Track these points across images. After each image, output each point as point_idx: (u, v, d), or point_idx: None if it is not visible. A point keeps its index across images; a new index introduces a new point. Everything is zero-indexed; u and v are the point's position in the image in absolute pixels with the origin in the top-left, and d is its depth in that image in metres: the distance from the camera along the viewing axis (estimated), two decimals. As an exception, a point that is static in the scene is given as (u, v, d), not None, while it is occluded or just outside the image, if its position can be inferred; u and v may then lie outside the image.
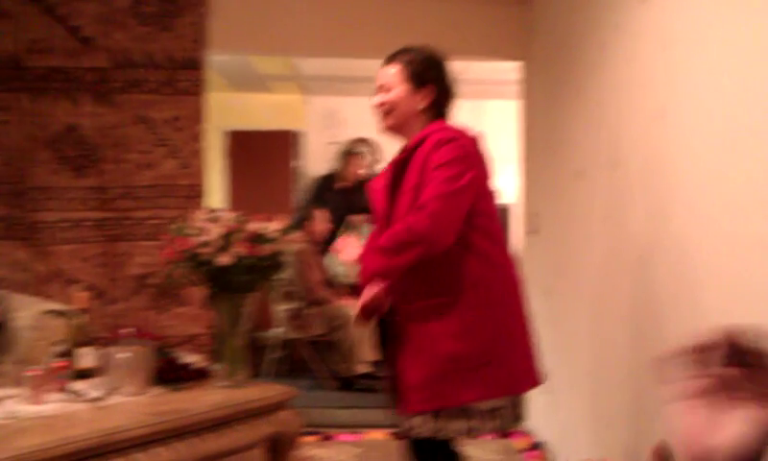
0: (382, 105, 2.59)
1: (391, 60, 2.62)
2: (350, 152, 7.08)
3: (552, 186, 4.40)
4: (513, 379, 2.43)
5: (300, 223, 5.93)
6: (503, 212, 7.20)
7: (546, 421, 4.44)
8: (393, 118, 2.56)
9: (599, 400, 3.45)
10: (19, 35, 4.33)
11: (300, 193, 7.98)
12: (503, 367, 2.38)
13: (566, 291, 4.05)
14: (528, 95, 5.00)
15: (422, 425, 2.42)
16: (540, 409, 4.61)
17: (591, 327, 3.56)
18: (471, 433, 2.41)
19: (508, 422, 2.48)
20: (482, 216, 2.41)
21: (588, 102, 3.63)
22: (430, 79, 2.53)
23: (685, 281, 2.46)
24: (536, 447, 4.45)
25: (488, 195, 2.47)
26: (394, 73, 2.57)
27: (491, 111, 8.02)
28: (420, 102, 2.52)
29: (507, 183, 6.09)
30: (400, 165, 2.50)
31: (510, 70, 5.18)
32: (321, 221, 5.98)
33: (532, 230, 4.91)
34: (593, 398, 3.55)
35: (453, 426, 2.39)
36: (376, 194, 2.63)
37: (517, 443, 4.54)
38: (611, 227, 3.24)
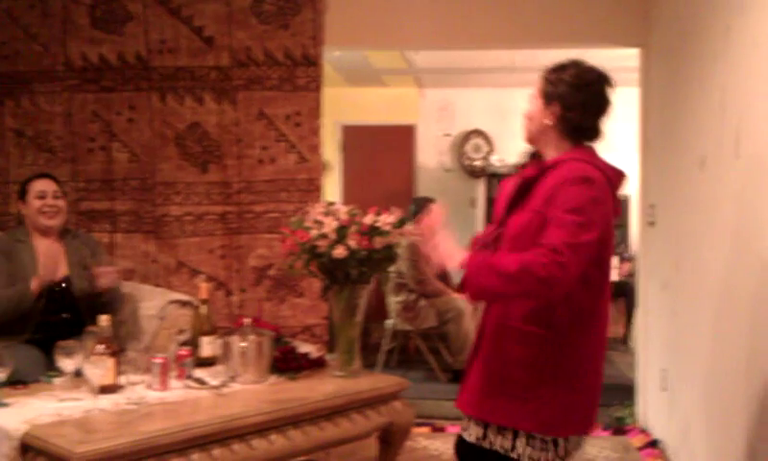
0: (524, 115, 2.54)
1: (543, 72, 2.52)
2: None
3: (671, 177, 4.26)
4: (563, 421, 2.37)
5: (416, 215, 5.96)
6: (623, 204, 7.02)
7: (663, 418, 4.32)
8: (528, 131, 2.50)
9: (716, 399, 3.33)
10: (147, 36, 4.55)
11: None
12: (560, 406, 2.34)
13: (685, 285, 3.92)
14: (647, 83, 4.86)
15: (471, 429, 2.42)
16: (656, 406, 4.48)
17: (711, 324, 3.44)
18: (513, 453, 2.36)
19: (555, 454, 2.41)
20: (592, 266, 2.31)
21: (712, 88, 3.49)
22: (555, 97, 2.40)
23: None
24: (653, 444, 4.33)
25: (605, 243, 2.34)
26: (537, 87, 2.50)
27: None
28: (546, 119, 2.43)
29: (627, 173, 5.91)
30: (529, 182, 2.45)
31: (629, 57, 5.04)
32: (436, 214, 5.98)
33: (648, 221, 4.77)
34: (710, 396, 3.42)
35: (498, 441, 2.37)
36: (500, 196, 2.60)
37: (635, 440, 4.44)
38: (736, 219, 3.12)
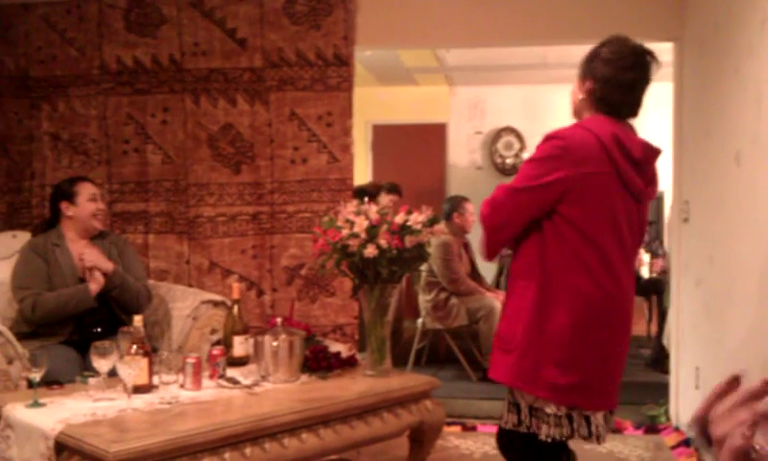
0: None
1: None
2: None
3: (705, 172, 4.20)
4: (529, 375, 2.41)
5: (449, 214, 5.95)
6: (657, 200, 6.94)
7: (700, 418, 4.26)
8: (571, 106, 2.61)
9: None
10: (181, 39, 4.60)
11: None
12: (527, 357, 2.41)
13: (719, 282, 3.86)
14: (681, 77, 4.79)
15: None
16: (690, 405, 4.43)
17: (746, 321, 3.39)
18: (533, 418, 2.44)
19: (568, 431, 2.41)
20: (573, 224, 2.37)
21: (747, 82, 3.44)
22: (589, 72, 2.50)
23: None
24: (686, 443, 4.28)
25: (601, 204, 2.39)
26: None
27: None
28: (580, 93, 2.53)
29: (660, 171, 5.84)
30: None
31: (662, 52, 4.97)
32: (470, 213, 5.97)
33: (682, 218, 4.71)
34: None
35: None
36: None
37: (668, 439, 4.39)
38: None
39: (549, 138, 2.43)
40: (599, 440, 2.45)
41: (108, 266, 3.61)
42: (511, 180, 2.53)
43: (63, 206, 3.73)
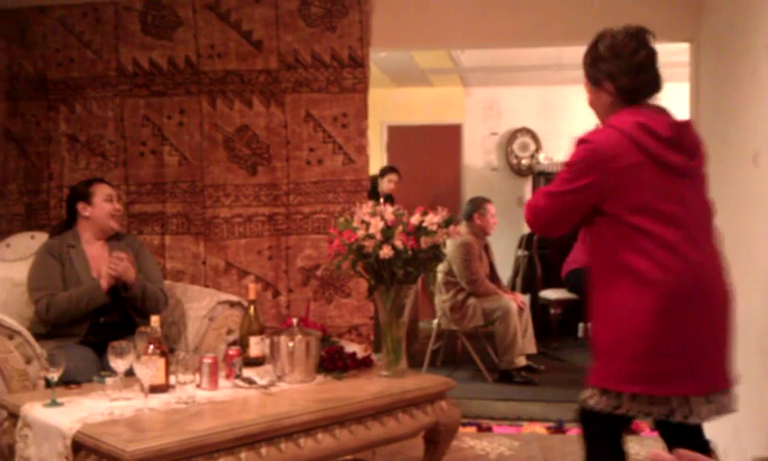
0: (589, 105, 2.67)
1: (583, 58, 2.65)
2: None
3: (722, 173, 4.16)
4: (616, 375, 2.39)
5: (470, 215, 5.94)
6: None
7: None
8: (598, 118, 2.61)
9: (767, 398, 3.26)
10: (197, 41, 4.62)
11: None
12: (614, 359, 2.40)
13: (737, 284, 3.82)
14: (697, 77, 4.76)
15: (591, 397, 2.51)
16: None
17: (762, 323, 3.36)
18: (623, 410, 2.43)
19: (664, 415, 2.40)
20: (630, 214, 2.38)
21: (764, 83, 3.42)
22: (601, 76, 2.51)
23: None
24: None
25: (643, 191, 2.39)
26: (584, 76, 2.61)
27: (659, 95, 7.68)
28: (604, 99, 2.53)
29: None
30: None
31: (679, 52, 4.95)
32: (492, 214, 5.96)
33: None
34: (761, 396, 3.35)
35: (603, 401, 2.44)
36: None
37: (686, 441, 4.36)
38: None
39: (579, 143, 2.47)
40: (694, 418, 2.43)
41: (131, 277, 3.62)
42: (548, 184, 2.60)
43: (80, 206, 3.75)
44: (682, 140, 2.46)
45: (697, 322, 2.39)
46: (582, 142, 2.47)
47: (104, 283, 3.55)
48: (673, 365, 2.36)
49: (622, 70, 2.47)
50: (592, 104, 2.60)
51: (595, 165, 2.41)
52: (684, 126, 2.51)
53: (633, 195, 2.40)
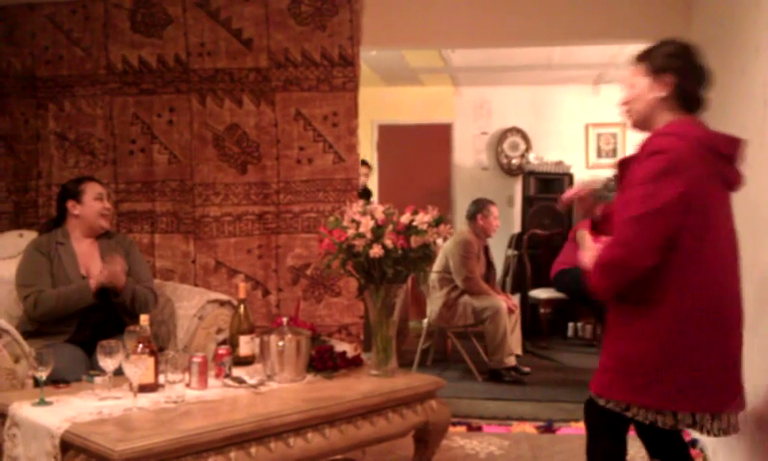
0: (624, 102, 2.54)
1: (636, 57, 2.54)
2: None
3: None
4: (672, 396, 2.36)
5: (474, 215, 5.94)
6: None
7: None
8: (633, 115, 2.51)
9: (756, 397, 3.27)
10: (186, 39, 4.61)
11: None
12: (666, 380, 2.35)
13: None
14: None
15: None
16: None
17: (749, 323, 3.38)
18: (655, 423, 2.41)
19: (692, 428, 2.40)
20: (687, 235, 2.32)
21: (754, 84, 3.43)
22: (669, 68, 2.43)
23: None
24: (692, 444, 4.26)
25: (711, 206, 2.35)
26: (634, 69, 2.51)
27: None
28: (659, 92, 2.43)
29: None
30: (626, 162, 2.49)
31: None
32: (495, 216, 5.97)
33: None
34: (750, 394, 3.36)
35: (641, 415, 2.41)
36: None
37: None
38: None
39: (653, 154, 2.33)
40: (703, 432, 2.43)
41: (121, 282, 3.60)
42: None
43: (70, 204, 3.74)
44: (735, 156, 2.44)
45: (735, 340, 2.43)
46: (655, 153, 2.32)
47: (93, 283, 3.54)
48: (719, 382, 2.38)
49: (693, 73, 2.44)
50: (638, 96, 2.48)
51: (680, 174, 2.28)
52: (738, 142, 2.46)
53: (705, 210, 2.34)
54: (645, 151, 2.37)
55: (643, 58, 2.49)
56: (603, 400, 2.45)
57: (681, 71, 2.42)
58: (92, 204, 3.74)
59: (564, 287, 6.71)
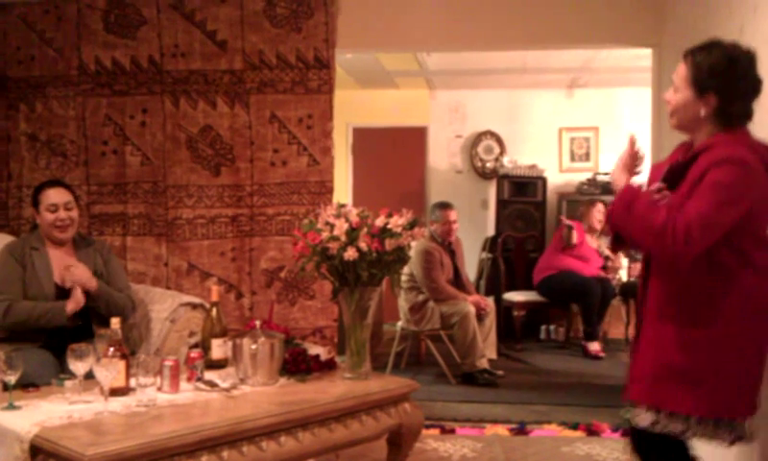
0: (668, 103, 2.52)
1: (686, 55, 2.47)
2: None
3: (685, 179, 4.24)
4: (730, 403, 2.36)
5: (432, 222, 5.95)
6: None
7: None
8: (676, 120, 2.48)
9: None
10: (160, 40, 4.58)
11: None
12: (724, 389, 2.34)
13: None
14: (659, 83, 4.83)
15: (642, 416, 2.44)
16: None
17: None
18: (687, 436, 2.40)
19: (727, 437, 2.40)
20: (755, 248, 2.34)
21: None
22: (711, 87, 2.36)
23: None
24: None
25: (760, 222, 2.37)
26: (682, 74, 2.44)
27: (622, 100, 7.80)
28: (701, 110, 2.39)
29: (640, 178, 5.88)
30: (680, 169, 2.45)
31: (641, 57, 5.02)
32: (451, 220, 5.97)
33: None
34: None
35: (671, 425, 2.39)
36: (651, 182, 2.58)
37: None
38: None
39: (725, 162, 2.29)
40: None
41: (93, 284, 3.54)
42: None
43: (34, 212, 3.68)
44: None
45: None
46: (728, 162, 2.28)
47: (70, 307, 3.47)
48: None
49: (736, 91, 2.37)
50: (684, 106, 2.44)
51: (749, 187, 2.28)
52: None
53: (761, 222, 2.36)
54: (716, 158, 2.30)
55: (690, 61, 2.43)
56: (652, 415, 2.42)
57: (723, 91, 2.36)
58: (44, 215, 3.60)
59: (547, 292, 6.80)
